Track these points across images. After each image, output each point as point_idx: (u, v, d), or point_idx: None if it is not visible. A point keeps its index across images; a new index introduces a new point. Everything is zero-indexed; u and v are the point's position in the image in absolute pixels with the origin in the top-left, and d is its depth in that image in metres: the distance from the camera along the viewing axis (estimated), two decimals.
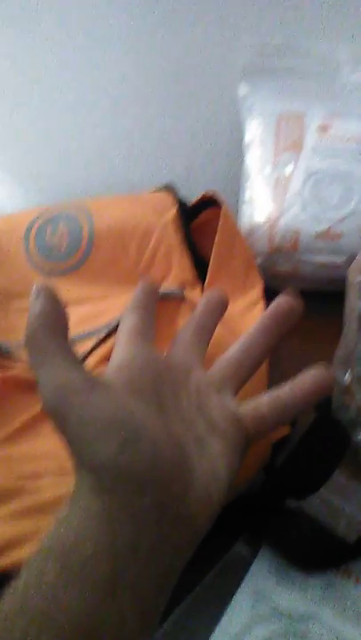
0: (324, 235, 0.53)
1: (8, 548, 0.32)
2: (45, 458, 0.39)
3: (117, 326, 0.48)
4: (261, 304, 0.50)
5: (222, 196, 0.55)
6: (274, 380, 0.41)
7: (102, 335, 0.48)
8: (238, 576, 0.31)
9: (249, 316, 0.48)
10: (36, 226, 0.57)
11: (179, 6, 0.65)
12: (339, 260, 0.53)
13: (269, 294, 0.51)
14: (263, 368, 0.41)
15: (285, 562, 0.31)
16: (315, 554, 0.31)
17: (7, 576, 0.31)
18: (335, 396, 0.41)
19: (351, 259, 0.53)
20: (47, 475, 0.38)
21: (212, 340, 0.42)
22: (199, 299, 0.51)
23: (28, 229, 0.57)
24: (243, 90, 0.65)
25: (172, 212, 0.55)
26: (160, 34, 0.67)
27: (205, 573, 0.32)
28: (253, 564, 0.32)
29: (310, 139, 0.57)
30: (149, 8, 0.65)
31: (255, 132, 0.62)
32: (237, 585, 0.31)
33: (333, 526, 0.33)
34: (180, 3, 0.65)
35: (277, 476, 0.34)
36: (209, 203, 0.56)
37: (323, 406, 0.36)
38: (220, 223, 0.53)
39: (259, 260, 0.56)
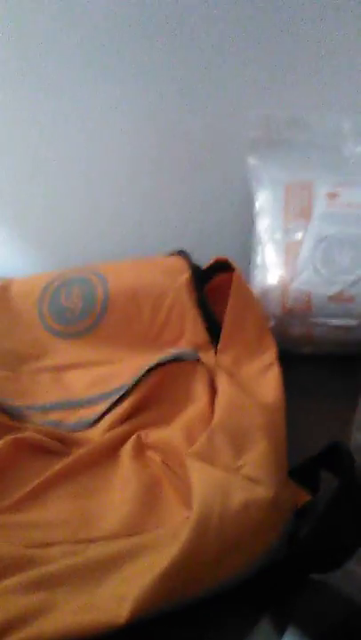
0: (337, 297, 0.53)
1: (18, 623, 0.30)
2: (56, 526, 0.38)
3: (130, 389, 0.48)
4: (276, 367, 0.49)
5: (234, 261, 0.56)
6: (291, 445, 0.40)
7: (116, 398, 0.48)
8: None
9: (264, 378, 0.48)
10: (50, 289, 0.58)
11: (191, 81, 0.69)
12: (353, 322, 0.53)
13: (283, 357, 0.51)
14: (282, 434, 0.41)
15: None
16: (343, 632, 0.29)
17: None
18: (357, 460, 0.40)
19: None
20: (58, 544, 0.36)
21: (229, 405, 0.41)
22: (213, 362, 0.51)
23: (43, 293, 0.58)
24: (252, 160, 0.68)
25: (186, 275, 0.56)
26: (172, 107, 0.70)
27: None
28: None
29: (319, 206, 0.59)
30: (162, 81, 0.69)
31: (265, 200, 0.64)
32: None
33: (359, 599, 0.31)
34: (192, 78, 0.68)
35: (301, 548, 0.32)
36: (221, 267, 0.57)
37: (346, 472, 0.35)
38: (233, 287, 0.54)
39: (272, 323, 0.56)
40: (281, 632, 0.31)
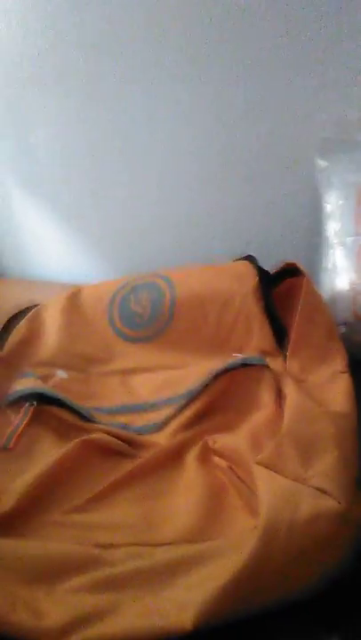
0: None
1: (85, 621, 0.30)
2: (122, 527, 0.38)
3: (197, 394, 0.48)
4: (346, 374, 0.48)
5: (303, 266, 0.55)
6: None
7: (183, 403, 0.48)
8: None
9: (334, 386, 0.46)
10: (120, 295, 0.59)
11: (259, 83, 0.68)
12: None
13: (354, 364, 0.49)
14: (353, 444, 0.39)
15: None
16: None
17: None
18: None
19: None
20: (123, 545, 0.37)
21: (298, 413, 0.40)
22: (281, 368, 0.50)
23: (113, 298, 0.59)
24: (321, 162, 0.66)
25: (254, 281, 0.55)
26: (241, 109, 0.70)
27: None
28: None
29: None
30: (231, 84, 0.69)
31: (335, 203, 0.62)
32: None
33: None
34: (260, 80, 0.68)
35: None
36: (290, 272, 0.56)
37: None
38: (302, 292, 0.52)
39: (342, 329, 0.54)
40: None
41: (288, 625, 0.31)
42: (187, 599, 0.31)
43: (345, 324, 0.54)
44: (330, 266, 0.58)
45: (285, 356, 0.51)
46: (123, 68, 0.72)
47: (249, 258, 0.59)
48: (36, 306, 0.62)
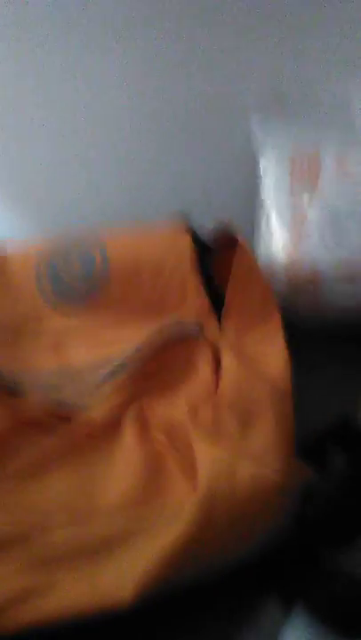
0: (346, 276, 0.52)
1: (14, 603, 0.29)
2: (55, 504, 0.37)
3: (129, 361, 0.46)
4: (281, 338, 0.48)
5: (238, 228, 0.54)
6: (298, 422, 0.39)
7: (116, 368, 0.46)
8: (272, 637, 0.29)
9: (269, 349, 0.46)
10: (47, 259, 0.56)
11: (195, 41, 0.65)
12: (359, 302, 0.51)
13: (288, 330, 0.49)
14: (289, 409, 0.39)
15: (323, 626, 0.28)
16: (354, 615, 0.28)
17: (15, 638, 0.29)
18: None
19: None
20: (57, 523, 0.35)
21: (234, 380, 0.40)
22: (216, 331, 0.49)
23: (40, 263, 0.56)
24: (256, 122, 0.65)
25: (186, 241, 0.54)
26: (175, 68, 0.67)
27: (235, 630, 0.29)
28: (288, 625, 0.29)
29: (327, 174, 0.56)
30: (167, 42, 0.66)
31: (270, 167, 0.61)
32: None
33: None
34: (196, 38, 0.65)
35: (311, 527, 0.31)
36: (225, 235, 0.54)
37: (357, 447, 0.34)
38: (236, 254, 0.52)
39: (276, 294, 0.54)
40: (288, 613, 0.30)
41: (226, 589, 0.31)
42: (126, 571, 0.30)
43: (279, 287, 0.54)
44: (264, 228, 0.58)
45: (222, 322, 0.51)
46: (54, 15, 0.67)
47: (183, 219, 0.58)
48: None
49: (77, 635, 0.29)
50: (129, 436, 0.41)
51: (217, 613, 0.31)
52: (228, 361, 0.43)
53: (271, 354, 0.46)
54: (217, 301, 0.52)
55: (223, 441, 0.35)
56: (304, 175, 0.57)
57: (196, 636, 0.30)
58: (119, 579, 0.30)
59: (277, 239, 0.56)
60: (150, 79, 0.69)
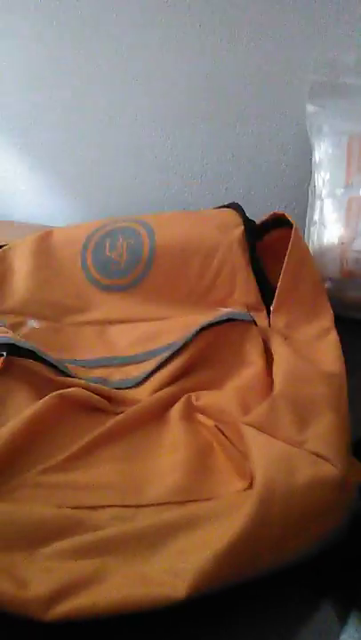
0: None
1: (71, 590, 0.29)
2: (103, 488, 0.36)
3: (180, 349, 0.45)
4: (334, 332, 0.46)
5: (291, 219, 0.52)
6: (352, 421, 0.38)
7: (165, 357, 0.45)
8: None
9: (322, 344, 0.45)
10: (95, 239, 0.55)
11: (245, 20, 0.63)
12: None
13: (340, 322, 0.48)
14: (345, 406, 0.38)
15: None
16: None
17: (69, 625, 0.28)
18: None
19: None
20: (106, 507, 0.35)
21: (290, 372, 0.39)
22: (266, 323, 0.48)
23: (86, 243, 0.55)
24: (311, 108, 0.63)
25: (239, 230, 0.53)
26: (225, 49, 0.65)
27: (289, 631, 0.28)
28: (345, 628, 0.28)
29: None
30: (215, 21, 0.64)
31: (325, 152, 0.59)
32: None
33: None
34: (245, 16, 0.63)
35: None
36: (278, 223, 0.53)
37: None
38: (290, 245, 0.50)
39: (328, 285, 0.53)
40: (344, 617, 0.29)
41: (279, 590, 0.30)
42: (180, 566, 0.29)
43: (331, 279, 0.53)
44: (317, 218, 0.56)
45: (270, 311, 0.49)
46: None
47: (234, 206, 0.56)
48: (1, 246, 0.57)
49: (125, 625, 0.28)
50: (177, 425, 0.40)
51: (271, 613, 0.30)
52: (282, 353, 0.41)
53: (325, 350, 0.44)
54: (267, 293, 0.51)
55: (280, 435, 0.34)
56: (360, 163, 0.55)
57: (248, 633, 0.29)
58: (172, 575, 0.29)
59: (331, 229, 0.54)
60: (205, 58, 0.67)
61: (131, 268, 0.53)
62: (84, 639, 0.29)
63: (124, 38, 0.68)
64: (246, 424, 0.36)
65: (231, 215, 0.54)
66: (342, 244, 0.52)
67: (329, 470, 0.31)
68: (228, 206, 0.57)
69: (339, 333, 0.47)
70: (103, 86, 0.71)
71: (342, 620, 0.29)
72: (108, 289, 0.53)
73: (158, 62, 0.68)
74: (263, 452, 0.33)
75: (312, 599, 0.30)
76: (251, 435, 0.35)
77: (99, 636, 0.29)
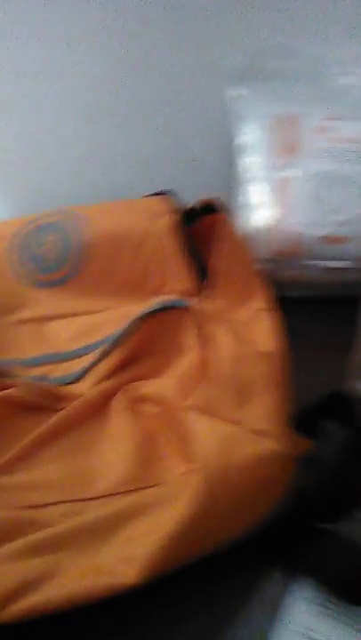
0: (328, 238, 0.51)
1: (23, 590, 0.28)
2: (51, 485, 0.36)
3: (118, 340, 0.45)
4: (271, 312, 0.48)
5: (220, 203, 0.53)
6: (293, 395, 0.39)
7: (104, 350, 0.45)
8: (277, 607, 0.29)
9: (259, 324, 0.46)
10: (23, 235, 0.54)
11: (166, 7, 0.63)
12: (345, 263, 0.51)
13: (276, 301, 0.49)
14: (284, 383, 0.39)
15: (326, 592, 0.29)
16: (357, 582, 0.29)
17: (21, 626, 0.28)
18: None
19: (358, 262, 0.52)
20: (55, 504, 0.35)
21: (227, 354, 0.40)
22: (203, 308, 0.49)
23: (12, 241, 0.54)
24: (233, 92, 0.63)
25: (169, 217, 0.53)
26: (146, 35, 0.65)
27: (241, 603, 0.29)
28: (291, 595, 0.29)
29: (307, 141, 0.56)
30: (137, 8, 0.63)
31: (248, 136, 0.60)
32: (276, 617, 0.28)
33: None
34: (166, 2, 0.63)
35: (311, 499, 0.31)
36: (207, 209, 0.53)
37: (354, 421, 0.34)
38: (219, 229, 0.51)
39: (260, 266, 0.54)
40: (292, 583, 0.30)
41: (230, 562, 0.31)
42: (131, 553, 0.30)
43: (263, 261, 0.54)
44: (245, 201, 0.57)
45: (207, 296, 0.50)
46: None
47: (163, 193, 0.56)
48: None
49: (82, 616, 0.29)
50: (120, 417, 0.41)
51: (222, 586, 0.31)
52: (218, 336, 0.42)
53: (261, 330, 0.45)
54: (202, 277, 0.51)
55: (220, 416, 0.35)
56: (284, 143, 0.56)
57: (202, 608, 0.30)
58: (123, 562, 0.29)
59: (258, 211, 0.55)
60: (122, 48, 0.66)
61: (63, 261, 0.53)
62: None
63: (38, 34, 0.66)
64: (188, 408, 0.37)
65: (161, 203, 0.55)
66: (271, 225, 0.54)
67: (269, 446, 0.33)
68: (157, 194, 0.57)
69: (277, 312, 0.48)
70: (20, 75, 0.69)
71: (290, 584, 0.30)
72: (41, 285, 0.53)
73: (81, 47, 0.67)
74: (204, 433, 0.34)
75: (260, 568, 0.31)
76: (192, 418, 0.36)
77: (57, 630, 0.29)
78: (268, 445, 0.32)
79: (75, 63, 0.67)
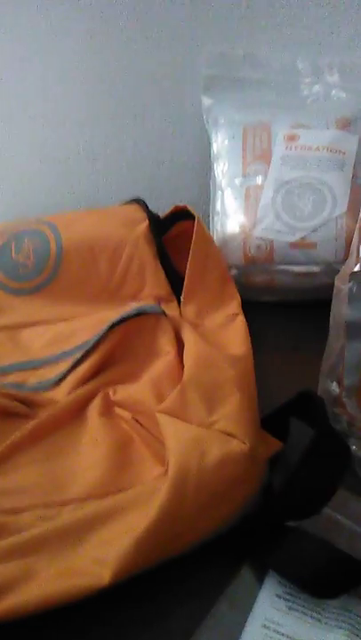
0: (299, 244, 0.53)
1: None
2: (25, 491, 0.37)
3: (93, 346, 0.46)
4: (241, 317, 0.49)
5: (193, 210, 0.54)
6: (261, 397, 0.40)
7: (79, 356, 0.46)
8: (246, 605, 0.30)
9: (229, 329, 0.47)
10: None
11: (137, 17, 0.64)
12: (315, 268, 0.53)
13: (247, 306, 0.50)
14: (252, 385, 0.40)
15: (295, 586, 0.30)
16: (324, 576, 0.30)
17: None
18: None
19: (328, 267, 0.53)
20: (29, 509, 0.35)
21: (198, 359, 0.40)
22: (177, 314, 0.50)
23: None
24: (206, 101, 0.65)
25: (144, 225, 0.53)
26: (119, 46, 0.66)
27: (211, 602, 0.30)
28: (261, 591, 0.30)
29: (279, 148, 0.57)
30: (109, 20, 0.64)
31: (222, 143, 0.61)
32: (246, 614, 0.29)
33: (335, 541, 0.32)
34: (138, 13, 0.64)
35: (278, 498, 0.32)
36: (181, 215, 0.54)
37: (321, 420, 0.35)
38: (194, 236, 0.52)
39: (234, 272, 0.55)
40: (261, 580, 0.31)
41: (199, 562, 0.32)
42: (103, 555, 0.30)
43: (236, 266, 0.55)
44: (219, 209, 0.58)
45: (180, 302, 0.51)
46: None
47: (137, 201, 0.57)
48: None
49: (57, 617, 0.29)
50: (95, 422, 0.41)
51: (191, 585, 0.32)
52: (190, 341, 0.43)
53: (232, 335, 0.46)
54: (176, 284, 0.52)
55: (190, 419, 0.36)
56: (256, 151, 0.58)
57: (171, 608, 0.31)
58: (96, 563, 0.30)
59: (232, 218, 0.56)
60: (101, 57, 0.67)
61: (39, 269, 0.53)
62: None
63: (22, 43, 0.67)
64: (160, 412, 0.38)
65: (136, 210, 0.55)
66: (243, 232, 0.55)
67: (238, 447, 0.33)
68: (132, 202, 0.58)
69: (246, 315, 0.49)
70: (7, 91, 0.69)
71: (259, 581, 0.31)
72: (16, 292, 0.53)
73: (58, 55, 0.67)
74: (175, 436, 0.35)
75: (229, 567, 0.32)
76: (164, 421, 0.37)
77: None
78: (237, 446, 0.33)
79: (49, 76, 0.68)
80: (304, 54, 0.65)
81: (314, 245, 0.53)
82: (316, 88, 0.64)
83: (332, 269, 0.52)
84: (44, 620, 0.29)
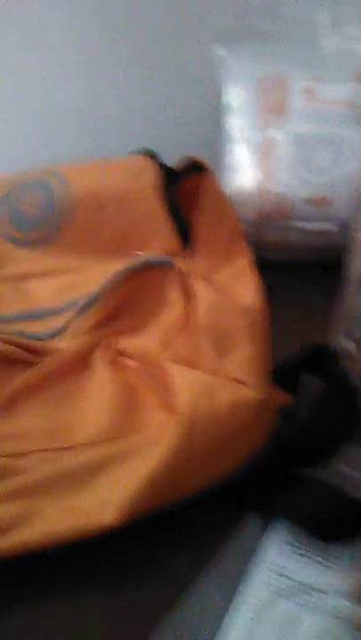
0: (315, 200, 0.51)
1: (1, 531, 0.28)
2: (29, 435, 0.36)
3: (99, 296, 0.45)
4: (252, 271, 0.47)
5: (205, 161, 0.52)
6: (275, 353, 0.39)
7: (84, 306, 0.45)
8: (251, 550, 0.29)
9: (241, 283, 0.46)
10: (7, 194, 0.53)
11: None
12: (330, 226, 0.51)
13: (259, 265, 0.49)
14: (265, 336, 0.39)
15: (302, 532, 0.29)
16: (334, 520, 0.29)
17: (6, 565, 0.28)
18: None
19: (343, 226, 0.51)
20: (33, 452, 0.35)
21: (209, 308, 0.39)
22: (186, 267, 0.49)
23: None
24: (220, 52, 0.62)
25: (154, 176, 0.52)
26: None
27: (216, 548, 0.30)
28: (267, 537, 0.30)
29: (295, 102, 0.55)
30: None
31: (235, 96, 0.59)
32: (251, 559, 0.29)
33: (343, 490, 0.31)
34: None
35: (289, 448, 0.31)
36: (193, 168, 0.53)
37: (333, 374, 0.34)
38: (205, 189, 0.50)
39: (246, 228, 0.53)
40: (267, 527, 0.31)
41: (207, 508, 0.32)
42: (108, 496, 0.30)
43: (248, 222, 0.53)
44: (232, 162, 0.56)
45: (190, 255, 0.50)
46: None
47: (147, 152, 0.55)
48: None
49: (63, 558, 0.29)
50: (101, 370, 0.40)
51: (198, 532, 0.31)
52: (201, 291, 0.42)
53: (243, 286, 0.45)
54: (184, 235, 0.51)
55: (200, 366, 0.35)
56: (271, 104, 0.56)
57: (178, 554, 0.31)
58: (101, 504, 0.29)
59: (245, 173, 0.55)
60: (108, 8, 0.65)
61: (45, 219, 0.52)
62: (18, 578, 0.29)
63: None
64: (170, 359, 0.37)
65: (145, 161, 0.54)
66: (257, 186, 0.53)
67: (248, 394, 0.33)
68: (141, 153, 0.56)
69: (260, 274, 0.48)
70: (20, 42, 0.67)
71: (264, 529, 0.31)
72: (22, 243, 0.52)
73: (67, 17, 0.65)
74: (184, 381, 0.34)
75: (236, 513, 0.31)
76: (172, 368, 0.36)
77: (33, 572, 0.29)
78: (246, 393, 0.33)
79: (62, 25, 0.66)
80: (323, 6, 0.62)
81: (329, 203, 0.51)
82: (335, 41, 0.61)
83: (346, 229, 0.51)
84: (47, 561, 0.29)
